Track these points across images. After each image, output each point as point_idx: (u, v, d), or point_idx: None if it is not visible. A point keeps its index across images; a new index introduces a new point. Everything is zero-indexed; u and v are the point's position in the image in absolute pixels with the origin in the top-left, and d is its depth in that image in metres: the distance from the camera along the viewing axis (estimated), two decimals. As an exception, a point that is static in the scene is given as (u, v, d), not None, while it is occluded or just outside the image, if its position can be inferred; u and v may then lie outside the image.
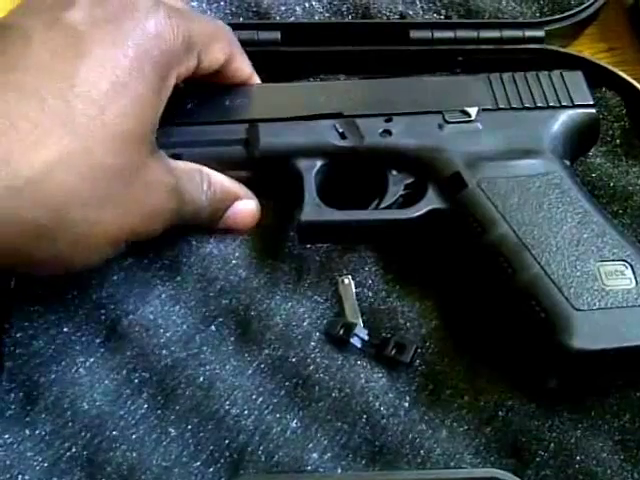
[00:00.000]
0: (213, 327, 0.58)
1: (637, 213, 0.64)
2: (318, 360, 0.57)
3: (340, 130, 0.59)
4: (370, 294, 0.60)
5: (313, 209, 0.57)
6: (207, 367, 0.56)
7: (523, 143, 0.59)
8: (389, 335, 0.58)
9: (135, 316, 0.57)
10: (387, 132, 0.59)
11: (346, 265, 0.60)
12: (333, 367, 0.57)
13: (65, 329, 0.57)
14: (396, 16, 0.70)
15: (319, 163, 0.59)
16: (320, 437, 0.55)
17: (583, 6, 0.69)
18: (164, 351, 0.57)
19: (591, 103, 0.62)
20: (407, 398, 0.56)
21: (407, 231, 0.58)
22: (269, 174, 0.60)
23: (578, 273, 0.53)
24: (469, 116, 0.60)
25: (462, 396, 0.56)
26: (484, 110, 0.61)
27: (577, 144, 0.62)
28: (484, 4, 0.71)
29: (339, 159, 0.59)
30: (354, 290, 0.59)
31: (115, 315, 0.58)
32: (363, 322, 0.58)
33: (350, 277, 0.60)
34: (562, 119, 0.61)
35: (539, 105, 0.61)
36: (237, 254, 0.60)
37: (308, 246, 0.61)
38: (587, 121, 0.62)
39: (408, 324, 0.59)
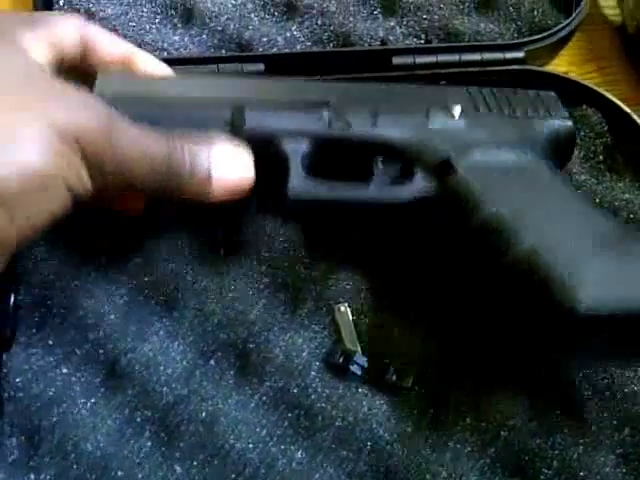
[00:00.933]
0: (212, 362, 0.58)
1: (625, 228, 0.64)
2: (319, 390, 0.57)
3: (327, 119, 0.58)
4: (367, 320, 0.60)
5: (300, 182, 0.56)
6: (209, 402, 0.56)
7: (507, 138, 0.60)
8: (388, 361, 0.58)
9: (134, 354, 0.57)
10: (374, 123, 0.59)
11: (342, 293, 0.61)
12: (334, 396, 0.57)
13: (64, 370, 0.57)
14: (377, 42, 0.70)
15: (305, 147, 0.57)
16: (326, 466, 0.55)
17: (560, 26, 0.70)
18: (165, 388, 0.56)
19: (567, 116, 0.63)
20: (410, 423, 0.57)
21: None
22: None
23: (571, 248, 0.52)
24: (452, 115, 0.60)
25: (464, 418, 0.57)
26: (466, 110, 0.61)
27: (555, 154, 0.62)
28: (463, 27, 0.72)
29: (325, 145, 0.58)
30: (351, 317, 0.59)
31: (114, 354, 0.57)
32: (362, 349, 0.59)
33: (346, 305, 0.60)
34: (540, 126, 0.62)
35: (517, 115, 0.62)
36: (232, 287, 0.61)
37: (303, 275, 0.61)
38: (564, 132, 0.62)
39: (407, 349, 0.59)
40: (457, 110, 0.60)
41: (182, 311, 0.60)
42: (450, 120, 0.60)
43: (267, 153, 0.57)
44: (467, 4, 0.74)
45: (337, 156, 0.59)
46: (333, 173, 0.59)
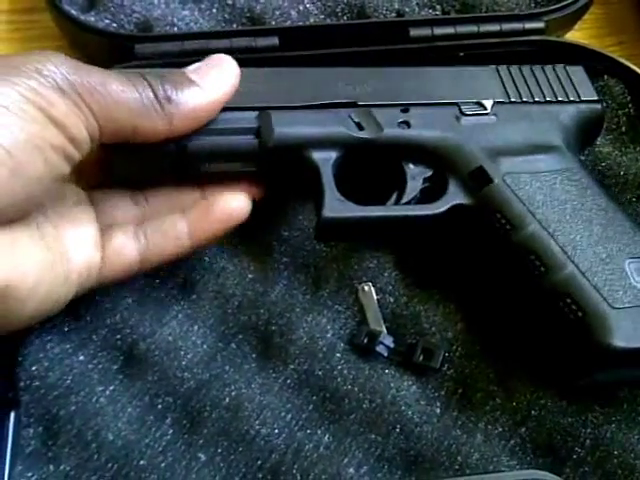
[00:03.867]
0: (234, 345, 0.57)
1: (652, 199, 0.63)
2: (345, 372, 0.55)
3: (356, 120, 0.56)
4: (392, 300, 0.58)
5: (335, 204, 0.54)
6: (232, 387, 0.55)
7: (538, 137, 0.58)
8: (415, 341, 0.57)
9: (152, 339, 0.56)
10: (405, 123, 0.56)
11: (365, 272, 0.59)
12: (361, 378, 0.55)
13: (81, 357, 0.55)
14: (393, 14, 0.68)
15: (335, 155, 0.55)
16: (354, 451, 0.53)
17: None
18: (186, 373, 0.55)
19: (596, 99, 0.61)
20: (438, 404, 0.55)
21: (430, 227, 0.56)
22: (282, 166, 0.56)
23: (610, 271, 0.52)
24: (485, 108, 0.58)
25: (494, 398, 0.55)
26: (497, 103, 0.59)
27: (584, 138, 0.61)
28: (479, -2, 0.70)
29: (356, 151, 0.56)
30: (375, 297, 0.58)
31: (132, 339, 0.56)
32: (387, 329, 0.57)
33: (370, 284, 0.58)
34: (571, 113, 0.60)
35: (548, 99, 0.60)
36: (252, 268, 0.59)
37: (324, 254, 0.59)
38: (593, 116, 0.61)
39: (433, 328, 0.57)
40: (489, 104, 0.58)
41: (201, 293, 0.58)
42: (482, 116, 0.58)
43: (296, 161, 0.55)
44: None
45: (367, 162, 0.58)
46: (362, 180, 0.58)
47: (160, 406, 0.54)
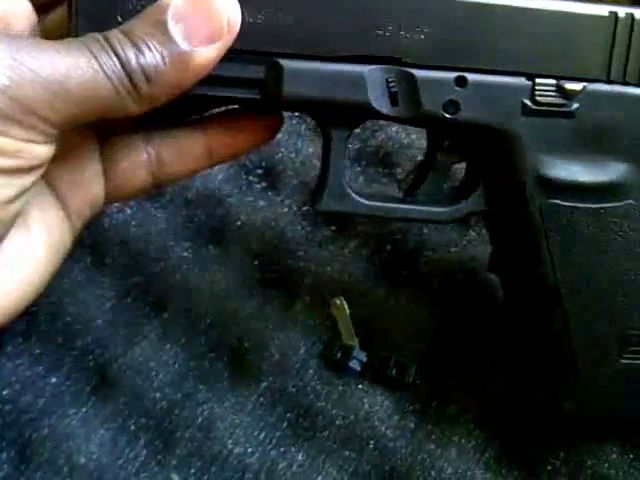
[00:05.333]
0: (206, 363, 0.56)
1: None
2: (318, 388, 0.55)
3: (393, 89, 0.43)
4: (364, 313, 0.58)
5: (334, 197, 0.46)
6: (204, 406, 0.55)
7: (617, 146, 0.46)
8: (388, 354, 0.56)
9: (124, 359, 0.56)
10: (454, 104, 0.44)
11: (337, 285, 0.59)
12: (334, 394, 0.55)
13: (53, 380, 0.55)
14: None
15: (353, 128, 0.46)
16: (328, 468, 0.53)
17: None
18: (158, 394, 0.55)
19: None
20: (412, 418, 0.55)
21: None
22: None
23: (600, 339, 0.48)
24: (566, 97, 0.45)
25: (468, 411, 0.55)
26: (588, 85, 0.45)
27: None
28: None
29: (380, 126, 0.50)
30: (347, 311, 0.58)
31: (103, 361, 0.56)
32: (360, 343, 0.57)
33: (342, 298, 0.58)
34: None
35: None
36: (223, 285, 0.59)
37: (297, 268, 0.60)
38: None
39: (406, 341, 0.57)
40: (576, 88, 0.45)
41: (172, 312, 0.58)
42: (558, 107, 0.45)
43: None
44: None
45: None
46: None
47: (133, 427, 0.54)
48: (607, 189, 0.46)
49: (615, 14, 0.44)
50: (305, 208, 0.62)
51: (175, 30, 0.38)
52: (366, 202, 0.47)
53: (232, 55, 0.40)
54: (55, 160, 0.41)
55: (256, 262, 0.60)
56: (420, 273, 0.60)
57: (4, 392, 0.54)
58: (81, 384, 0.55)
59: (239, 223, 0.61)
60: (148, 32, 0.38)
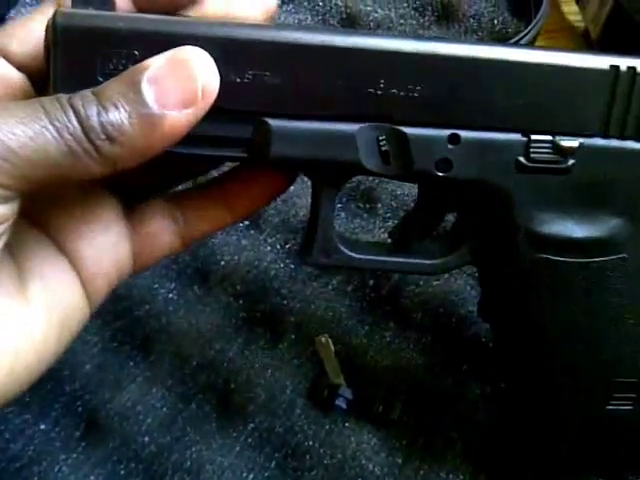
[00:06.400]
0: (194, 405, 0.57)
1: None
2: (305, 427, 0.56)
3: (384, 147, 0.42)
4: (349, 350, 0.59)
5: (324, 252, 0.45)
6: (193, 449, 0.55)
7: (610, 201, 0.44)
8: (373, 392, 0.57)
9: (112, 404, 0.56)
10: (446, 162, 0.42)
11: (322, 323, 0.60)
12: (321, 433, 0.56)
13: (42, 427, 0.55)
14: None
15: (343, 185, 0.45)
16: (317, 506, 0.54)
17: (522, 33, 0.69)
18: (147, 438, 0.55)
19: None
20: (400, 454, 0.56)
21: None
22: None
23: (587, 387, 0.47)
24: (561, 154, 0.43)
25: (454, 445, 0.56)
26: (586, 141, 0.43)
27: None
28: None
29: (372, 187, 0.51)
30: (333, 348, 0.58)
31: (92, 406, 0.56)
32: (345, 380, 0.57)
33: (327, 335, 0.59)
34: None
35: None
36: (209, 326, 0.59)
37: (282, 307, 0.60)
38: None
39: (391, 377, 0.58)
40: (572, 145, 0.43)
41: (159, 355, 0.58)
42: (553, 165, 0.43)
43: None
44: (427, 17, 0.73)
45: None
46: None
47: (123, 472, 0.54)
48: (599, 244, 0.45)
49: (616, 68, 0.42)
50: (288, 246, 0.63)
51: (148, 92, 0.36)
52: (356, 256, 0.46)
53: (219, 115, 0.39)
54: (72, 225, 0.42)
55: (241, 301, 0.61)
56: (403, 308, 0.60)
57: (-7, 440, 0.54)
58: (70, 430, 0.56)
59: (223, 263, 0.62)
60: (120, 91, 0.36)
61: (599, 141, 0.43)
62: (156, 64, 0.37)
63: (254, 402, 0.56)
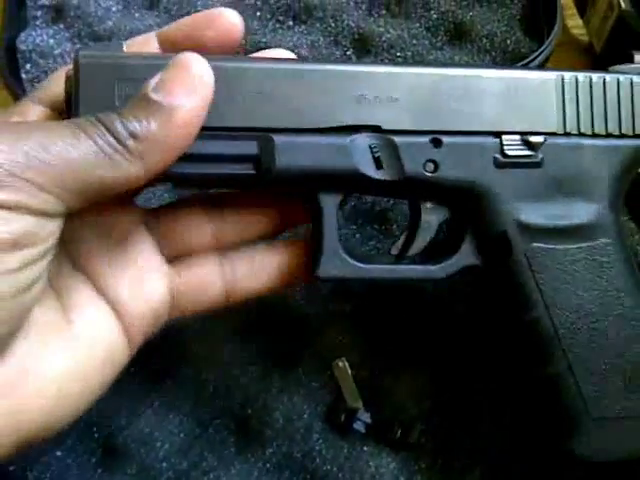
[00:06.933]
0: (211, 430, 0.57)
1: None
2: (324, 452, 0.56)
3: (377, 154, 0.47)
4: (366, 374, 0.58)
5: (332, 263, 0.49)
6: (211, 475, 0.55)
7: (582, 191, 0.50)
8: (392, 415, 0.57)
9: (129, 430, 0.56)
10: (432, 163, 0.48)
11: (338, 347, 0.59)
12: (340, 457, 0.56)
13: (58, 453, 0.55)
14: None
15: (342, 196, 0.49)
16: (337, 532, 0.53)
17: (537, 53, 0.69)
18: (164, 464, 0.55)
19: None
20: (419, 478, 0.55)
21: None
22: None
23: (604, 381, 0.49)
24: (531, 148, 0.49)
25: (473, 468, 0.55)
26: (549, 138, 0.49)
27: (628, 185, 0.53)
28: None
29: (369, 192, 0.52)
30: (350, 372, 0.58)
31: (108, 432, 0.56)
32: (363, 404, 0.57)
33: (344, 359, 0.58)
34: (630, 152, 0.51)
35: (610, 132, 0.51)
36: (226, 352, 0.59)
37: (297, 332, 0.60)
38: None
39: (409, 401, 0.58)
40: (538, 141, 0.49)
41: (176, 381, 0.58)
42: (525, 159, 0.49)
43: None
44: (440, 38, 0.73)
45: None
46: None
47: (140, 499, 0.54)
48: (581, 230, 0.50)
49: (562, 76, 0.50)
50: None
51: (156, 96, 0.41)
52: (363, 266, 0.49)
53: (227, 133, 0.45)
54: (111, 271, 0.46)
55: (257, 326, 0.60)
56: (420, 330, 0.60)
57: (10, 468, 0.54)
58: (87, 456, 0.56)
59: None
60: (135, 105, 0.41)
61: (561, 139, 0.50)
62: (157, 75, 0.42)
63: (272, 427, 0.56)
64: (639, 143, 0.51)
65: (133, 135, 0.40)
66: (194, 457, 0.55)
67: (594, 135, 0.50)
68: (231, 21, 0.47)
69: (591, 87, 0.50)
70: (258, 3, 0.72)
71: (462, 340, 0.59)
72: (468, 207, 0.50)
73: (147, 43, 0.48)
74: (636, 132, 0.51)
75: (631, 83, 0.51)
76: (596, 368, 0.49)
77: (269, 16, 0.72)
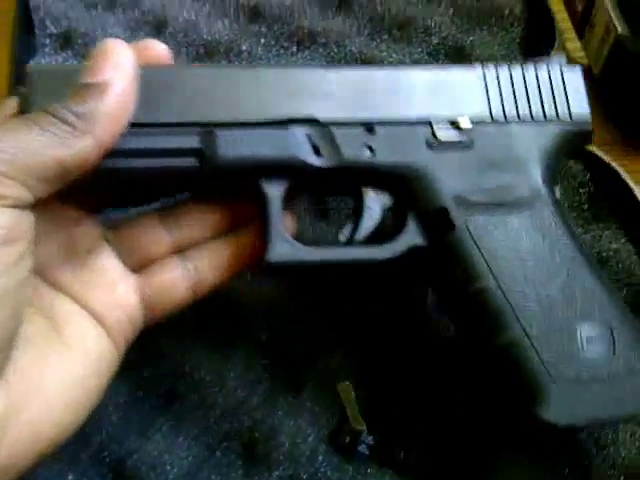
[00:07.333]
0: (219, 453, 0.58)
1: (615, 277, 0.65)
2: (329, 474, 0.57)
3: (314, 142, 0.51)
4: (370, 396, 0.60)
5: (280, 246, 0.51)
6: (219, 497, 0.56)
7: (514, 171, 0.54)
8: (394, 437, 0.58)
9: (139, 454, 0.57)
10: (368, 148, 0.52)
11: (343, 369, 0.61)
12: (345, 479, 0.57)
13: (70, 477, 0.56)
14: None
15: (286, 185, 0.52)
16: None
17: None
18: (173, 487, 0.56)
19: (587, 112, 0.56)
20: (421, 499, 0.56)
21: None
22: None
23: (559, 337, 0.51)
24: (460, 130, 0.53)
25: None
26: (477, 122, 0.54)
27: (563, 160, 0.58)
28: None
29: (310, 180, 0.53)
30: (354, 394, 0.59)
31: (118, 456, 0.57)
32: (367, 426, 0.58)
33: (348, 382, 0.60)
34: (555, 134, 0.55)
35: (535, 117, 0.55)
36: (232, 374, 0.60)
37: (302, 354, 0.61)
38: (580, 136, 0.57)
39: (413, 421, 0.59)
40: (466, 123, 0.53)
41: (183, 404, 0.59)
42: (456, 140, 0.53)
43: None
44: (441, 62, 0.75)
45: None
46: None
47: (150, 522, 0.55)
48: (517, 202, 0.53)
49: (483, 69, 0.55)
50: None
51: (89, 79, 0.45)
52: (311, 249, 0.53)
53: (171, 128, 0.49)
54: (81, 283, 0.50)
55: (263, 349, 0.62)
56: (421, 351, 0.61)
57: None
58: (98, 480, 0.57)
59: (244, 313, 0.63)
60: (73, 94, 0.45)
61: (488, 125, 0.54)
62: (86, 66, 0.46)
63: (278, 450, 0.57)
64: (563, 127, 0.55)
65: (77, 115, 0.44)
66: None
67: (520, 121, 0.54)
68: (158, 52, 0.51)
69: (511, 76, 0.55)
70: (263, 29, 0.74)
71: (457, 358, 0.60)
72: (407, 189, 0.53)
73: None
74: (560, 118, 0.55)
75: (548, 71, 0.56)
76: (550, 331, 0.51)
77: (273, 42, 0.73)
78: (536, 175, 0.54)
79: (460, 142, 0.53)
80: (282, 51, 0.73)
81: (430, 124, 0.53)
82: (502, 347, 0.51)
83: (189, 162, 0.50)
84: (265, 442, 0.58)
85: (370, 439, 0.58)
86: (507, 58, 0.74)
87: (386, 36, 0.75)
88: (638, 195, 0.67)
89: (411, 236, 0.53)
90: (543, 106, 0.55)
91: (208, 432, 0.58)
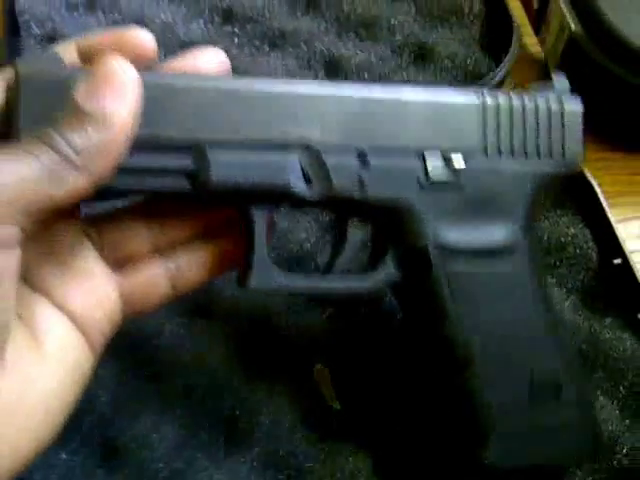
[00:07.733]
0: (203, 432, 0.61)
1: (573, 262, 0.69)
2: (306, 450, 0.61)
3: (306, 170, 0.49)
4: (344, 375, 0.64)
5: (262, 274, 0.51)
6: (203, 473, 0.59)
7: (500, 214, 0.53)
8: (367, 414, 0.62)
9: (129, 434, 0.60)
10: (359, 181, 0.50)
11: (319, 351, 0.65)
12: (322, 454, 0.61)
13: (64, 456, 0.59)
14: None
15: (274, 209, 0.51)
16: (322, 524, 0.58)
17: (497, 70, 0.74)
18: (160, 464, 0.59)
19: (581, 151, 0.54)
20: (395, 474, 0.60)
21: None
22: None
23: (510, 391, 0.53)
24: (452, 166, 0.51)
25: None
26: (469, 156, 0.52)
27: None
28: (403, 81, 0.76)
29: (299, 206, 0.53)
30: (329, 376, 0.63)
31: (109, 435, 0.60)
32: (341, 404, 0.62)
33: (323, 361, 0.64)
34: (546, 175, 0.54)
35: (528, 151, 0.53)
36: (214, 357, 0.64)
37: (280, 340, 0.65)
38: (566, 179, 0.55)
39: (386, 400, 0.62)
40: (459, 160, 0.51)
41: (169, 386, 0.63)
42: (447, 177, 0.51)
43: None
44: (405, 59, 0.78)
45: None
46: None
47: (139, 497, 0.59)
48: (497, 251, 0.53)
49: (484, 97, 0.52)
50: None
51: (89, 105, 0.41)
52: (293, 277, 0.52)
53: (162, 148, 0.47)
54: (61, 284, 0.48)
55: (243, 333, 0.65)
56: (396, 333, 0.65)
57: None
58: (90, 458, 0.60)
59: (225, 298, 0.66)
60: (68, 116, 0.41)
61: (481, 160, 0.52)
62: (83, 81, 0.42)
63: (258, 428, 0.61)
64: (554, 167, 0.54)
65: (74, 148, 0.40)
66: (188, 457, 0.60)
67: (513, 158, 0.52)
68: (143, 41, 0.48)
69: (511, 108, 0.52)
70: (236, 30, 0.77)
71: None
72: (391, 224, 0.53)
73: (66, 50, 0.49)
74: (553, 156, 0.53)
75: (548, 102, 0.53)
76: (503, 384, 0.53)
77: (246, 42, 0.77)
78: (520, 220, 0.53)
79: (450, 183, 0.52)
80: (254, 50, 0.77)
81: (423, 157, 0.51)
82: (458, 390, 0.54)
83: (181, 185, 0.48)
84: (246, 421, 0.61)
85: (344, 417, 0.62)
86: (467, 54, 0.77)
87: (352, 35, 0.79)
88: (592, 182, 0.71)
89: (388, 273, 0.53)
90: (538, 142, 0.53)
91: (192, 412, 0.62)
